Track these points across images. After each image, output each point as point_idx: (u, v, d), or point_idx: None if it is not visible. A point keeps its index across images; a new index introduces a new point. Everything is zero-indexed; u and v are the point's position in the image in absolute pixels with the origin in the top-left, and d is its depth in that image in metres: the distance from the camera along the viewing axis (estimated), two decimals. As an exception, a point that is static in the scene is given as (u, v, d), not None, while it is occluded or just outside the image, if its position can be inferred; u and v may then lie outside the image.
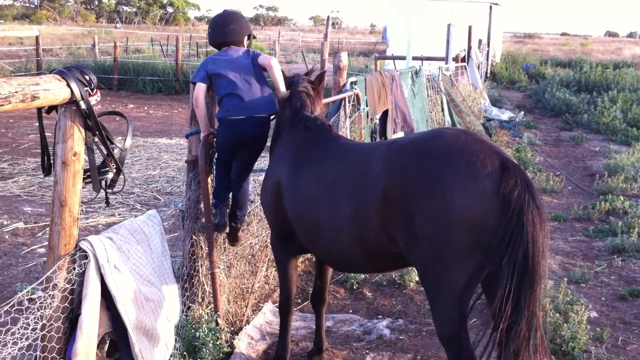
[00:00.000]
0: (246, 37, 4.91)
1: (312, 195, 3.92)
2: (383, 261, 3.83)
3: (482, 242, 3.15)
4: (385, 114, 8.32)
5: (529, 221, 3.10)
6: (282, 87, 4.69)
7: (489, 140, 3.47)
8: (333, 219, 3.75)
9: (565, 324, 4.95)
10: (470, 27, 19.92)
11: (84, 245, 3.16)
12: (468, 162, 3.18)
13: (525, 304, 3.10)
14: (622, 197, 8.98)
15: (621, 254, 7.11)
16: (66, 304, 3.11)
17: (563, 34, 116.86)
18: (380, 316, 5.56)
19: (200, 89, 4.65)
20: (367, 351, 4.90)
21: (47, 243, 3.20)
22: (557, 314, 5.14)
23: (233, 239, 4.96)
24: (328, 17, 21.84)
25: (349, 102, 7.10)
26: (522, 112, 18.08)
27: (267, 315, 5.35)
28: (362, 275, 6.22)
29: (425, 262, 3.34)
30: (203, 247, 4.76)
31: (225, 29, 4.80)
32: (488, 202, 3.12)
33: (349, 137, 6.94)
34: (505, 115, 16.79)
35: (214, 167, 4.80)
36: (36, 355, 3.11)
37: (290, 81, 4.71)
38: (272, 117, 4.73)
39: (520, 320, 3.10)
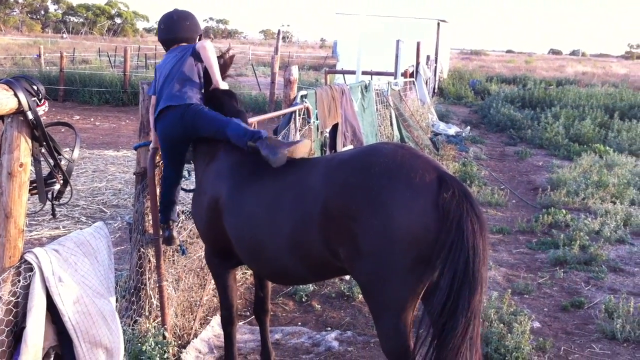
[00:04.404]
0: (197, 38, 4.74)
1: (252, 213, 3.84)
2: (326, 274, 3.85)
3: (424, 255, 3.18)
4: (335, 127, 8.40)
5: (469, 229, 3.14)
6: (216, 75, 4.43)
7: (425, 155, 3.52)
8: (274, 238, 3.71)
9: (509, 334, 5.06)
10: (418, 44, 20.27)
11: (29, 257, 3.10)
12: (407, 177, 3.21)
13: (464, 311, 3.14)
14: (564, 211, 9.22)
15: (563, 266, 7.30)
16: (10, 317, 3.05)
17: (508, 51, 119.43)
18: (329, 328, 5.58)
19: (153, 101, 4.60)
20: (316, 363, 4.93)
21: (-10, 255, 3.13)
22: (501, 325, 5.25)
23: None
24: (279, 31, 21.96)
25: (300, 115, 7.15)
26: (469, 127, 18.42)
27: (216, 329, 5.32)
28: (311, 288, 6.25)
29: (368, 278, 3.35)
30: (151, 259, 4.72)
31: (180, 24, 4.65)
32: (428, 216, 3.15)
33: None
34: (452, 130, 17.08)
35: (160, 181, 4.70)
36: (-22, 370, 3.04)
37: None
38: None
39: (457, 326, 3.13)
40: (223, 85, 4.47)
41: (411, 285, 3.24)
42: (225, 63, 4.65)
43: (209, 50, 4.41)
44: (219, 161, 4.23)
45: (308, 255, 3.60)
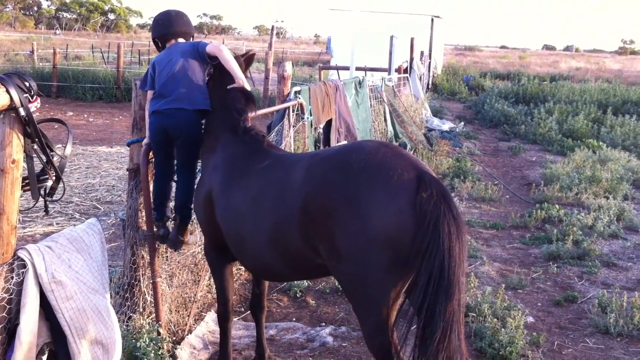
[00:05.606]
0: (192, 37, 4.83)
1: (237, 208, 3.87)
2: (307, 272, 3.85)
3: (402, 255, 3.14)
4: (329, 123, 8.39)
5: (445, 231, 3.09)
6: (239, 76, 4.41)
7: (408, 153, 3.46)
8: (256, 232, 3.72)
9: (503, 329, 5.08)
10: (412, 39, 20.24)
11: (22, 254, 3.10)
12: (385, 176, 3.18)
13: (441, 316, 3.08)
14: (557, 206, 9.25)
15: (556, 261, 7.32)
16: (4, 314, 3.04)
17: (502, 47, 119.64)
18: (324, 324, 5.59)
19: (150, 96, 4.58)
20: (310, 359, 4.93)
21: (-17, 252, 3.12)
22: (495, 319, 5.27)
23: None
24: (273, 27, 21.90)
25: (293, 111, 7.14)
26: (462, 123, 18.44)
27: (210, 325, 5.32)
28: (305, 283, 6.25)
29: (347, 278, 3.34)
30: (145, 256, 4.72)
31: (178, 19, 4.71)
32: (405, 216, 3.12)
33: (292, 146, 6.98)
34: (446, 125, 17.10)
35: (153, 180, 4.70)
36: (-28, 367, 3.03)
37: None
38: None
39: (436, 330, 3.07)
40: (247, 86, 4.48)
41: (390, 285, 3.22)
42: (240, 64, 4.62)
43: (225, 51, 4.46)
44: (216, 155, 4.30)
45: (288, 251, 3.59)
